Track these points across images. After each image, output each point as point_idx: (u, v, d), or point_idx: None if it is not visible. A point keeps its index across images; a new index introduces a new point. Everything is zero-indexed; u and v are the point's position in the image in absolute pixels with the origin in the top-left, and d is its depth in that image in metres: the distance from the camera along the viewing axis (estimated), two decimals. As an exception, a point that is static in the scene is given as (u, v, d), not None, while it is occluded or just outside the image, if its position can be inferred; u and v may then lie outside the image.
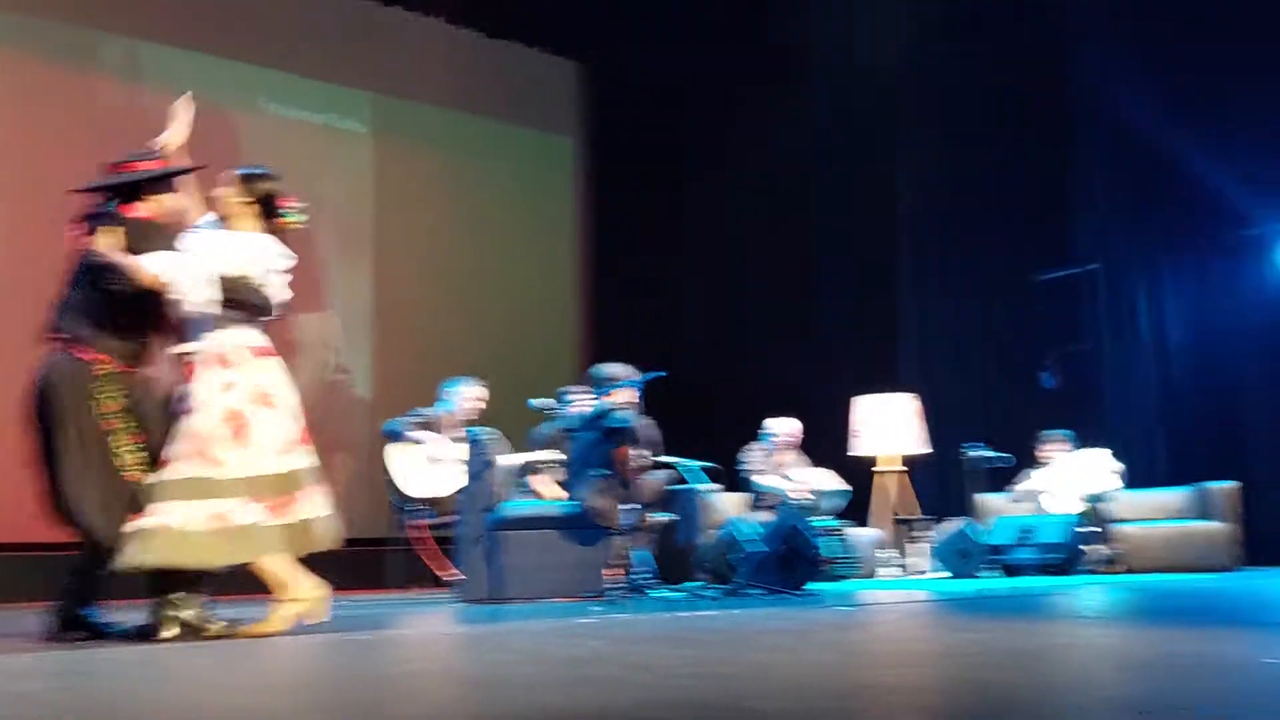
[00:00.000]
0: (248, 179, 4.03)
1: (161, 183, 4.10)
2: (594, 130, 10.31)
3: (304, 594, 3.75)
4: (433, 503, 6.62)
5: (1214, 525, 7.63)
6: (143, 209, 4.03)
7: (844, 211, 9.97)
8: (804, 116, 9.93)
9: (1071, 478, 7.88)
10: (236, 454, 3.71)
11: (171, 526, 3.62)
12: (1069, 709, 1.88)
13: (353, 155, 8.89)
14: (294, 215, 4.05)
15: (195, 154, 4.24)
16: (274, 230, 4.01)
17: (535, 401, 6.63)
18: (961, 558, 7.40)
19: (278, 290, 3.94)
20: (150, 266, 3.86)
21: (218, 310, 3.83)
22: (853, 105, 9.84)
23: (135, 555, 3.59)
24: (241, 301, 3.85)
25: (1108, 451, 7.97)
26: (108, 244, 3.88)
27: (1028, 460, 8.29)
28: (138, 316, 3.89)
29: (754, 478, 7.54)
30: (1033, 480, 8.11)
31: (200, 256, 3.88)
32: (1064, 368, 9.57)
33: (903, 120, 10.11)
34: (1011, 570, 7.41)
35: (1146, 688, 2.20)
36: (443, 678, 2.57)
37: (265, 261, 3.92)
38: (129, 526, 3.63)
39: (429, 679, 2.55)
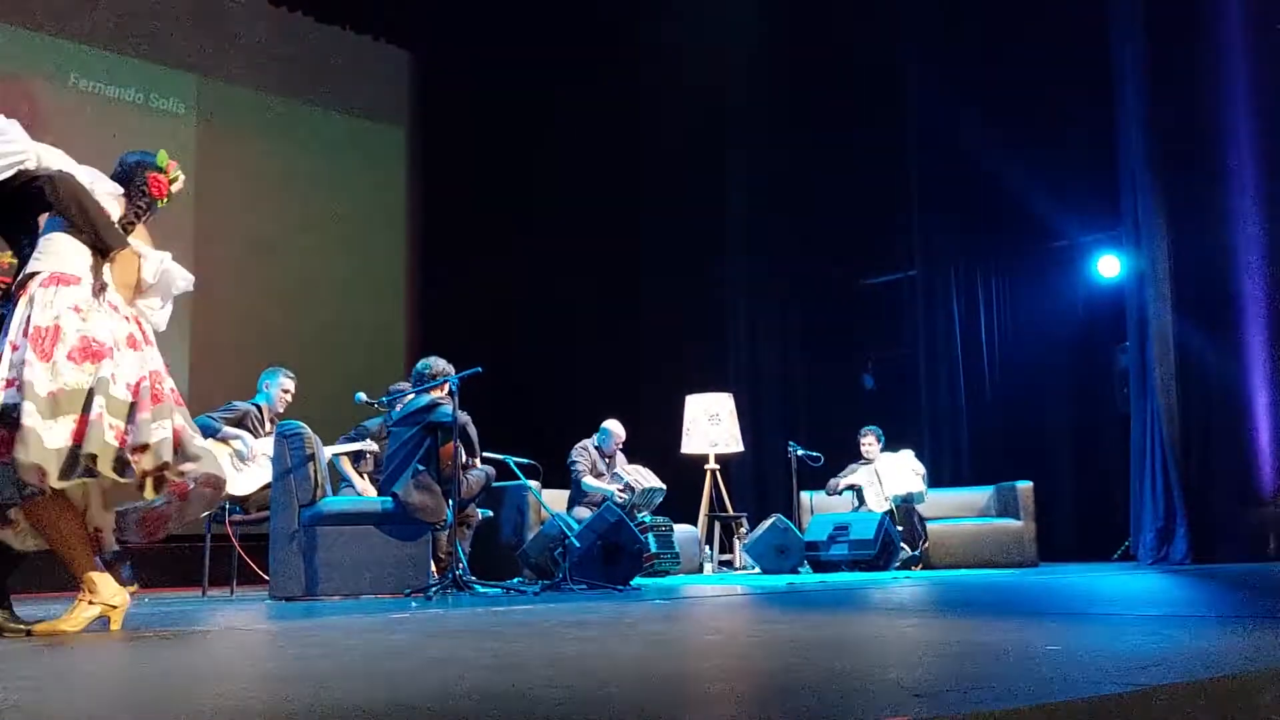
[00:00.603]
0: None
1: None
2: (424, 120, 10.19)
3: (107, 598, 3.57)
4: (243, 500, 6.41)
5: (1014, 523, 8.04)
6: None
7: (674, 209, 10.13)
8: (633, 112, 10.04)
9: (883, 475, 8.20)
10: None
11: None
12: (851, 692, 1.95)
13: (172, 136, 8.56)
14: None
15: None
16: None
17: (361, 396, 6.52)
18: (778, 553, 7.60)
19: None
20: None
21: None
22: (683, 103, 9.99)
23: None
24: None
25: (910, 453, 8.32)
26: None
27: (844, 458, 8.58)
28: None
29: (584, 478, 7.58)
30: (856, 474, 8.38)
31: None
32: (884, 370, 9.94)
33: (733, 120, 10.32)
34: (826, 566, 7.64)
35: (931, 672, 2.29)
36: (235, 674, 2.50)
37: None
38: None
39: (220, 676, 2.47)
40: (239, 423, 6.59)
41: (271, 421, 6.70)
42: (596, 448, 7.82)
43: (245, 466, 6.48)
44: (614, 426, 7.91)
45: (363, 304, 9.59)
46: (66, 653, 2.96)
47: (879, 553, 7.51)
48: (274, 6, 9.20)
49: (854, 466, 8.46)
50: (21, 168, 3.59)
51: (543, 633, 3.23)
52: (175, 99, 8.67)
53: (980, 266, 9.87)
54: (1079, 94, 8.93)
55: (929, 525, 8.03)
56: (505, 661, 2.47)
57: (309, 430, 6.01)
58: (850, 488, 8.34)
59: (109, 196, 3.78)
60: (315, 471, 5.92)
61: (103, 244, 3.62)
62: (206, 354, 8.47)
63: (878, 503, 8.03)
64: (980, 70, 9.39)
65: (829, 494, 8.44)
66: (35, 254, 3.58)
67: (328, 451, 6.29)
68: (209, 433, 6.48)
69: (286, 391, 6.83)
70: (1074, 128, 9.15)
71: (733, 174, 10.34)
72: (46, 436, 3.27)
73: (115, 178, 3.87)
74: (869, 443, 8.44)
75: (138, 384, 3.51)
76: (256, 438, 6.58)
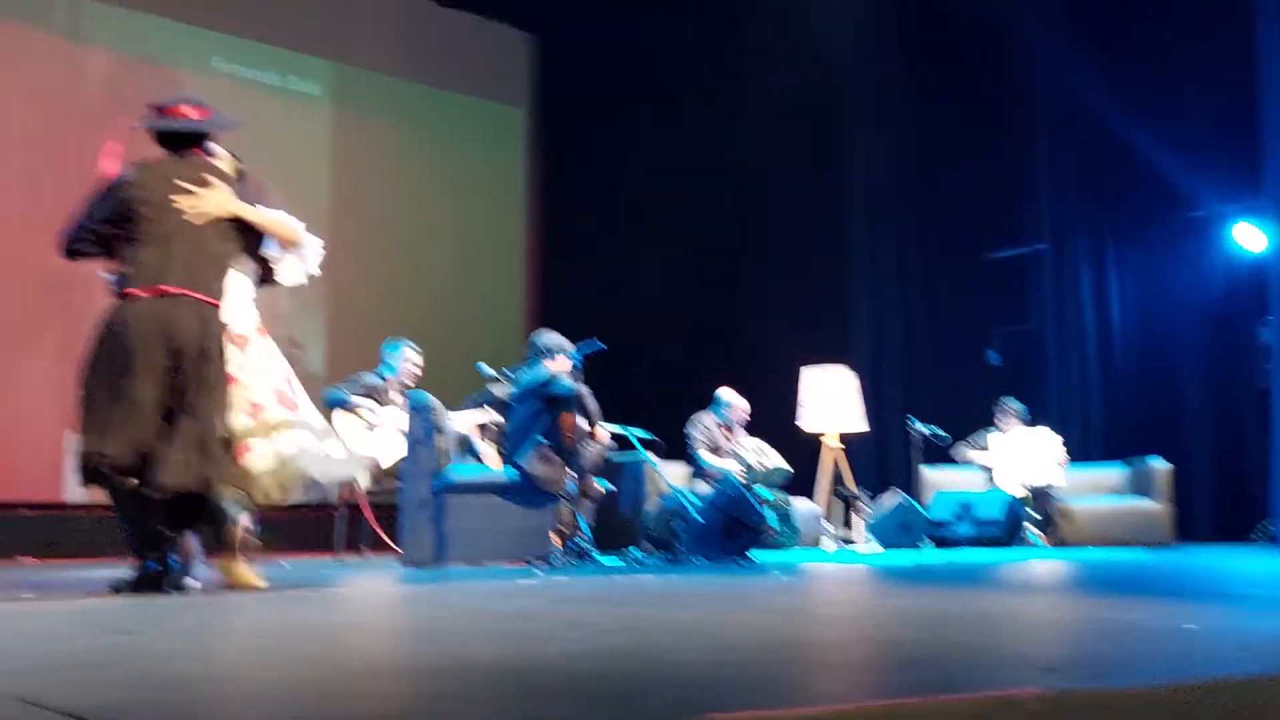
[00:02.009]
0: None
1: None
2: (544, 101, 10.30)
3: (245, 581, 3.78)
4: (374, 469, 6.61)
5: (1148, 502, 7.81)
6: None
7: (796, 184, 10.03)
8: (754, 88, 9.96)
9: (1019, 459, 7.98)
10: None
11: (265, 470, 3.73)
12: (977, 664, 1.94)
13: (309, 119, 8.83)
14: None
15: (136, 107, 4.20)
16: None
17: (484, 366, 6.63)
18: (901, 531, 7.52)
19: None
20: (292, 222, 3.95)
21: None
22: (805, 78, 9.87)
23: (255, 495, 3.71)
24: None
25: (1058, 440, 8.05)
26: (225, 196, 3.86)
27: (963, 435, 8.43)
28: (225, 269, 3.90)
29: (699, 453, 7.57)
30: (987, 444, 8.18)
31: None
32: (1009, 346, 9.73)
33: (856, 93, 10.17)
34: (950, 544, 7.54)
35: (1060, 649, 2.27)
36: (379, 630, 2.60)
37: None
38: (237, 471, 3.69)
39: (365, 632, 2.58)
40: (366, 394, 6.78)
41: (399, 392, 6.87)
42: (716, 422, 7.78)
43: (375, 437, 6.67)
44: (730, 396, 7.80)
45: (485, 278, 9.77)
46: (217, 607, 3.11)
47: (1006, 532, 7.37)
48: (400, -9, 9.40)
49: (983, 434, 8.27)
50: None
51: (666, 601, 3.28)
52: (311, 81, 8.95)
53: (1111, 238, 9.56)
54: (1215, 54, 8.56)
55: (1061, 503, 7.83)
56: (632, 625, 2.52)
57: (437, 402, 6.16)
58: (979, 464, 8.18)
59: None
60: (443, 442, 6.07)
61: None
62: (340, 327, 8.73)
63: (1010, 486, 7.84)
64: (1109, 30, 9.07)
65: (955, 459, 8.30)
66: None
67: (451, 418, 6.43)
68: (339, 404, 6.68)
69: (413, 363, 6.98)
70: (1210, 91, 8.77)
71: (853, 147, 10.20)
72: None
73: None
74: (1005, 413, 8.19)
75: None
76: (383, 408, 6.77)
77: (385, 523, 6.53)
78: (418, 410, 6.10)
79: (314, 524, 7.32)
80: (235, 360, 3.79)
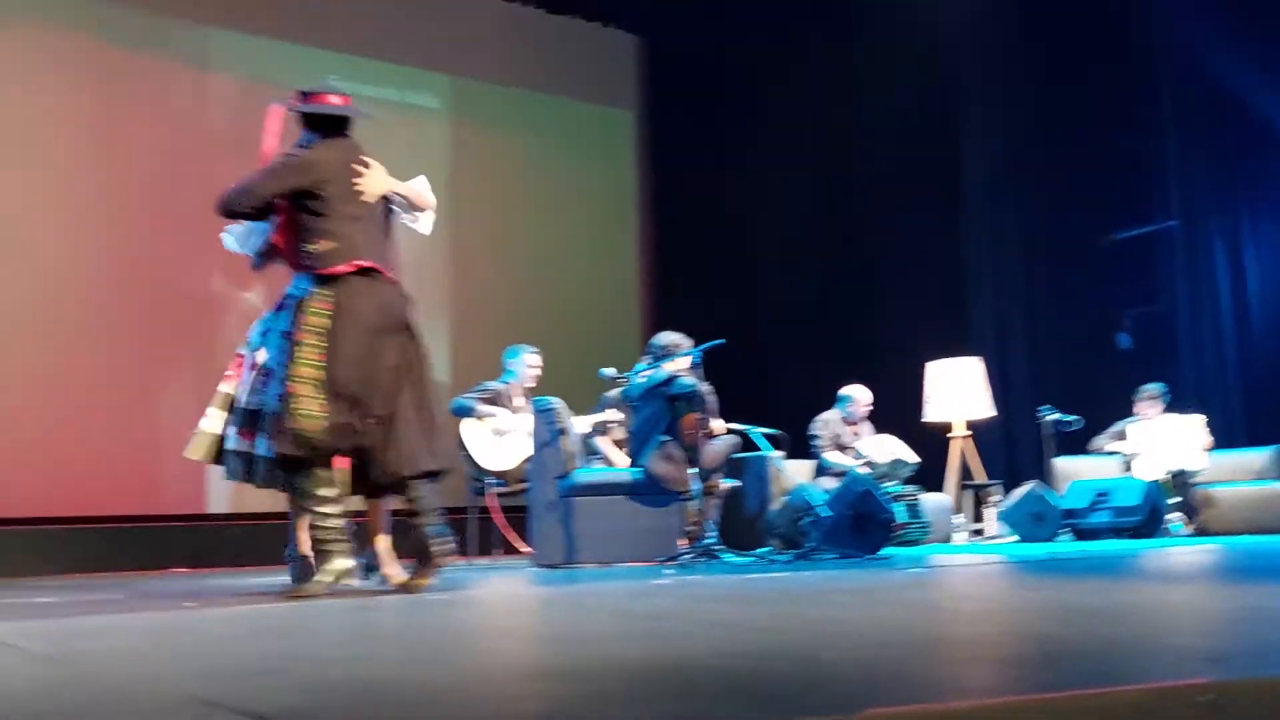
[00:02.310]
0: None
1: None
2: (653, 103, 10.34)
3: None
4: (502, 474, 6.75)
5: (1297, 486, 7.49)
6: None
7: (909, 172, 9.88)
8: (863, 78, 9.86)
9: (1161, 443, 7.73)
10: None
11: None
12: (1136, 657, 1.90)
13: (425, 131, 9.02)
14: None
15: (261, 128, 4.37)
16: None
17: (606, 371, 6.70)
18: (1035, 521, 7.35)
19: None
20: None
21: None
22: (913, 63, 9.72)
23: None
24: None
25: (1201, 419, 7.77)
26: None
27: (1099, 422, 8.20)
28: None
29: (823, 453, 7.54)
30: (1126, 434, 7.96)
31: None
32: (1140, 328, 9.44)
33: (966, 76, 9.97)
34: (1086, 534, 7.35)
35: (1219, 639, 2.21)
36: (524, 633, 2.66)
37: None
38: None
39: (511, 634, 2.64)
40: (492, 401, 6.92)
41: (523, 397, 6.99)
42: (840, 418, 7.74)
43: (503, 442, 6.80)
44: (855, 392, 7.77)
45: (602, 281, 9.85)
46: (364, 610, 3.21)
47: (1145, 520, 7.14)
48: (507, 2, 9.52)
49: (1121, 425, 8.04)
50: None
51: (803, 598, 3.27)
52: (428, 94, 9.15)
53: (1247, 214, 9.20)
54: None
55: (1204, 490, 7.56)
56: (773, 624, 2.52)
57: (561, 404, 6.25)
58: (1116, 452, 7.95)
59: None
60: (568, 444, 6.16)
61: None
62: (464, 335, 8.90)
63: (1150, 472, 7.60)
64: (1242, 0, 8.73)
65: (1092, 450, 8.08)
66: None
67: (577, 424, 6.52)
68: (466, 413, 6.83)
69: (532, 367, 7.10)
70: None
71: (970, 133, 10.00)
72: None
73: None
74: (1147, 400, 7.95)
75: None
76: (510, 414, 6.89)
77: (515, 525, 6.65)
78: (542, 413, 6.20)
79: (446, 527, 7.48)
80: None
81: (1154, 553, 5.64)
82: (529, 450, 6.40)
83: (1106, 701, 1.51)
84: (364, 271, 3.87)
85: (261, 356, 4.00)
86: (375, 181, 4.02)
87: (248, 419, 3.97)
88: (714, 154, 9.85)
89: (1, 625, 2.98)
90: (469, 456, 6.77)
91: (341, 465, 3.92)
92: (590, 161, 10.01)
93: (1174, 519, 7.39)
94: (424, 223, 4.24)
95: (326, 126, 4.12)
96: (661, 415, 6.21)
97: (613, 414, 6.99)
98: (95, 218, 7.53)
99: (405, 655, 2.16)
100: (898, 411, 8.29)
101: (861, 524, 5.90)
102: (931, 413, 8.46)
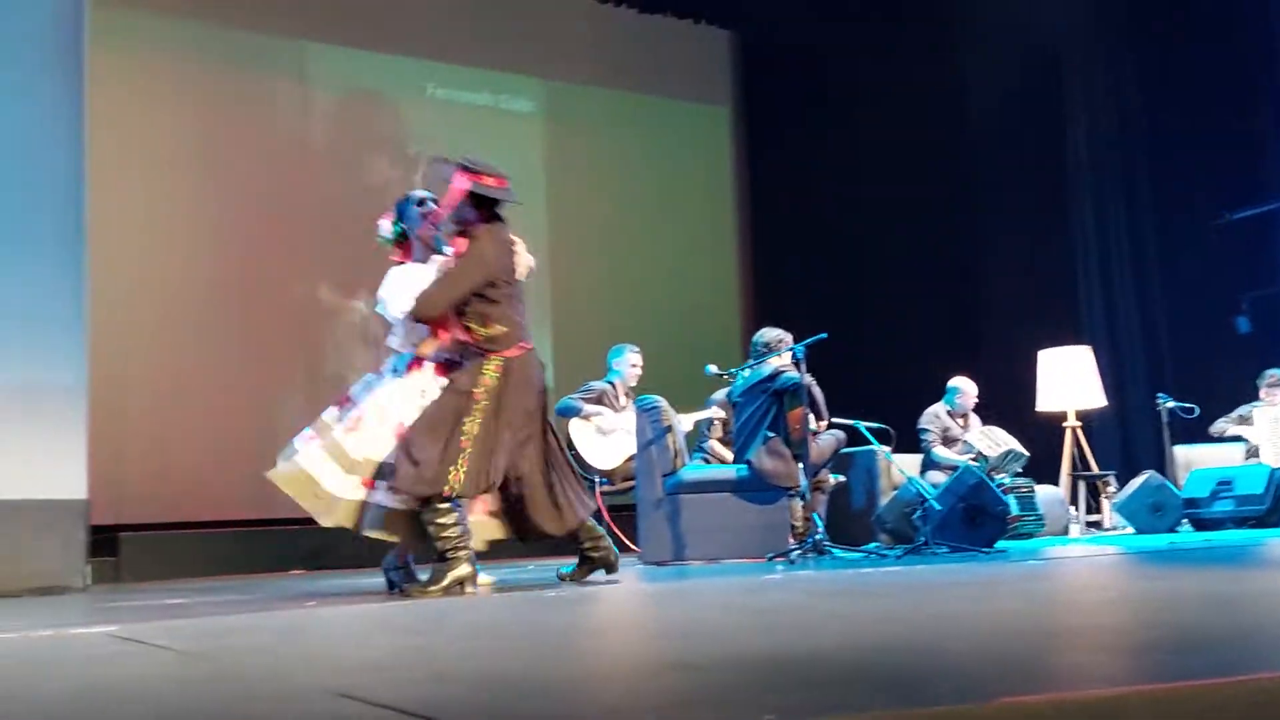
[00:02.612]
0: None
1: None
2: (748, 97, 10.29)
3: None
4: (608, 472, 6.80)
5: None
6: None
7: (1014, 157, 9.67)
8: (964, 63, 9.68)
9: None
10: None
11: None
12: (1275, 645, 1.84)
13: (520, 136, 9.12)
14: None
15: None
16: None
17: (711, 368, 6.70)
18: (1154, 512, 7.15)
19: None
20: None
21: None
22: (1016, 44, 9.51)
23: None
24: None
25: None
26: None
27: (1217, 409, 7.94)
28: None
29: (934, 448, 7.43)
30: (1251, 420, 7.67)
31: None
32: (1259, 311, 9.11)
33: (1071, 56, 9.73)
34: (1207, 525, 7.12)
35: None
36: (642, 627, 2.68)
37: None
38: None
39: (630, 629, 2.66)
40: (597, 401, 6.98)
41: (626, 396, 7.03)
42: (948, 411, 7.63)
43: (608, 441, 6.85)
44: (962, 383, 7.66)
45: (702, 279, 9.84)
46: (482, 608, 3.26)
47: (1271, 508, 6.89)
48: (600, 4, 9.57)
49: (1246, 409, 7.76)
50: None
51: (919, 592, 3.24)
52: (523, 99, 9.26)
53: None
54: None
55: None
56: (892, 616, 2.50)
57: (665, 403, 6.26)
58: (1239, 437, 7.67)
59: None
60: (674, 442, 6.17)
61: None
62: (566, 338, 8.96)
63: (1276, 459, 7.32)
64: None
65: (1213, 434, 7.82)
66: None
67: (681, 421, 6.53)
68: (571, 413, 6.90)
69: (635, 365, 7.14)
70: None
71: (1075, 117, 9.75)
72: None
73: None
74: (1276, 383, 7.66)
75: None
76: (615, 413, 6.94)
77: (622, 523, 6.68)
78: (646, 411, 6.22)
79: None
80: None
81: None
82: (634, 448, 6.43)
83: (1249, 689, 1.47)
84: (529, 350, 4.26)
85: (393, 412, 4.22)
86: (524, 259, 4.31)
87: (377, 471, 4.16)
88: (811, 147, 9.77)
89: (141, 625, 3.10)
90: (576, 456, 6.82)
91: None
92: (686, 160, 10.00)
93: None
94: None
95: (490, 206, 4.29)
96: (767, 411, 6.19)
97: (715, 411, 6.99)
98: (209, 232, 7.78)
99: (529, 650, 2.19)
100: (1008, 402, 8.13)
101: (974, 517, 5.80)
102: (1043, 403, 8.27)
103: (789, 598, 3.19)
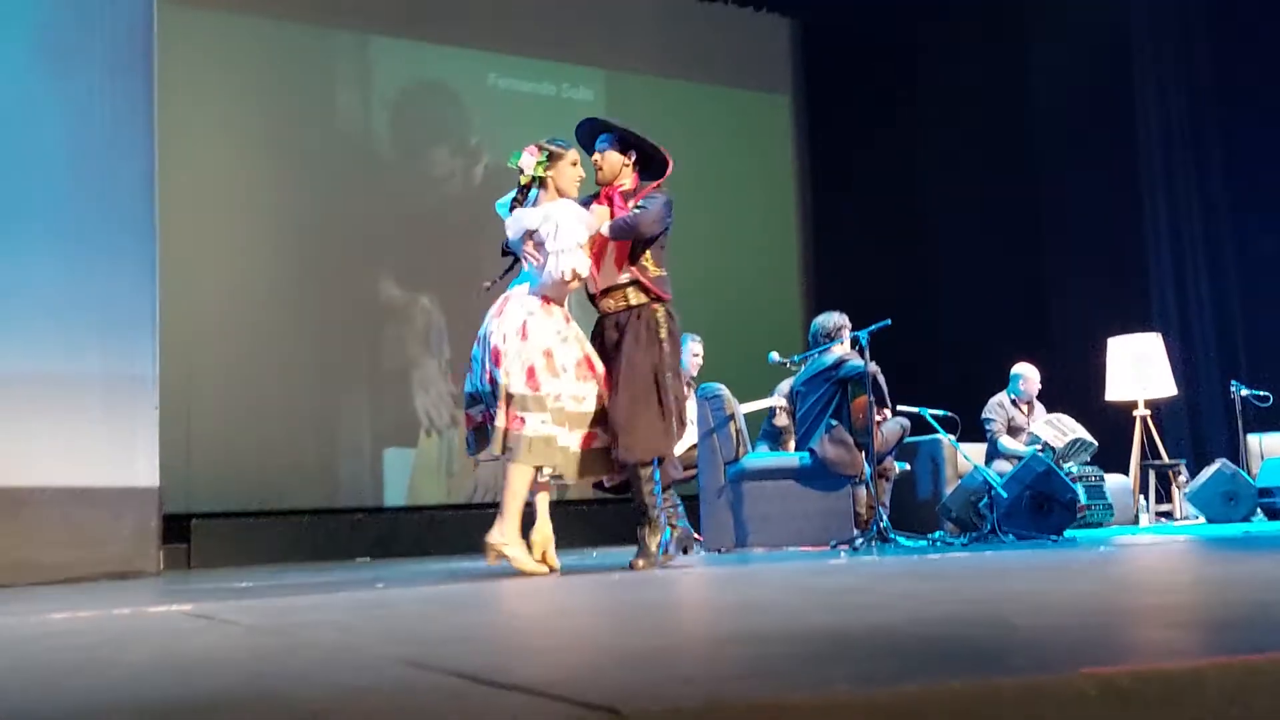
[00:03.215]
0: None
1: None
2: (807, 84, 10.22)
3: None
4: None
5: None
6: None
7: (1082, 141, 9.49)
8: (1029, 44, 9.52)
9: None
10: None
11: None
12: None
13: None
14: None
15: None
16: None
17: (774, 355, 6.66)
18: (1227, 501, 7.00)
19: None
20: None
21: None
22: (1084, 23, 9.34)
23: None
24: None
25: None
26: None
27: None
28: None
29: (1000, 439, 7.33)
30: None
31: None
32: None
33: (1140, 35, 9.53)
34: (1280, 514, 6.96)
35: None
36: (711, 605, 2.68)
37: None
38: None
39: (699, 607, 2.66)
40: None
41: (689, 386, 7.00)
42: (1012, 400, 7.52)
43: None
44: (1025, 370, 7.53)
45: (762, 268, 9.79)
46: (551, 590, 3.28)
47: (1348, 498, 6.73)
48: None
49: None
50: None
51: (987, 574, 3.20)
52: (584, 88, 9.27)
53: None
54: None
55: None
56: (963, 596, 2.48)
57: (727, 391, 6.25)
58: None
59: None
60: (736, 430, 6.15)
61: None
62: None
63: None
64: None
65: None
66: None
67: (742, 409, 6.50)
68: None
69: (696, 355, 7.09)
70: None
71: (1144, 94, 9.54)
72: None
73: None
74: None
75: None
76: (678, 402, 6.90)
77: (687, 513, 6.66)
78: (708, 400, 6.21)
79: (613, 517, 7.59)
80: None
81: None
82: (696, 437, 6.42)
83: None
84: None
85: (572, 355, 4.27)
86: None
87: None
88: (874, 134, 9.68)
89: (214, 604, 3.16)
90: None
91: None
92: (747, 148, 9.95)
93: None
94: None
95: (654, 168, 4.57)
96: (830, 399, 6.15)
97: (778, 400, 6.94)
98: (275, 227, 7.90)
99: (596, 624, 2.20)
100: (1077, 391, 8.00)
101: (1042, 504, 5.72)
102: (1113, 391, 8.12)
103: (856, 580, 3.17)
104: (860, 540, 5.54)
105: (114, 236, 6.06)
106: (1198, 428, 8.91)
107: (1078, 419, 7.33)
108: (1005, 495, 5.68)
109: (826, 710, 1.22)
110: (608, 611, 2.51)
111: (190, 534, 7.07)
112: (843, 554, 5.09)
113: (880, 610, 2.20)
